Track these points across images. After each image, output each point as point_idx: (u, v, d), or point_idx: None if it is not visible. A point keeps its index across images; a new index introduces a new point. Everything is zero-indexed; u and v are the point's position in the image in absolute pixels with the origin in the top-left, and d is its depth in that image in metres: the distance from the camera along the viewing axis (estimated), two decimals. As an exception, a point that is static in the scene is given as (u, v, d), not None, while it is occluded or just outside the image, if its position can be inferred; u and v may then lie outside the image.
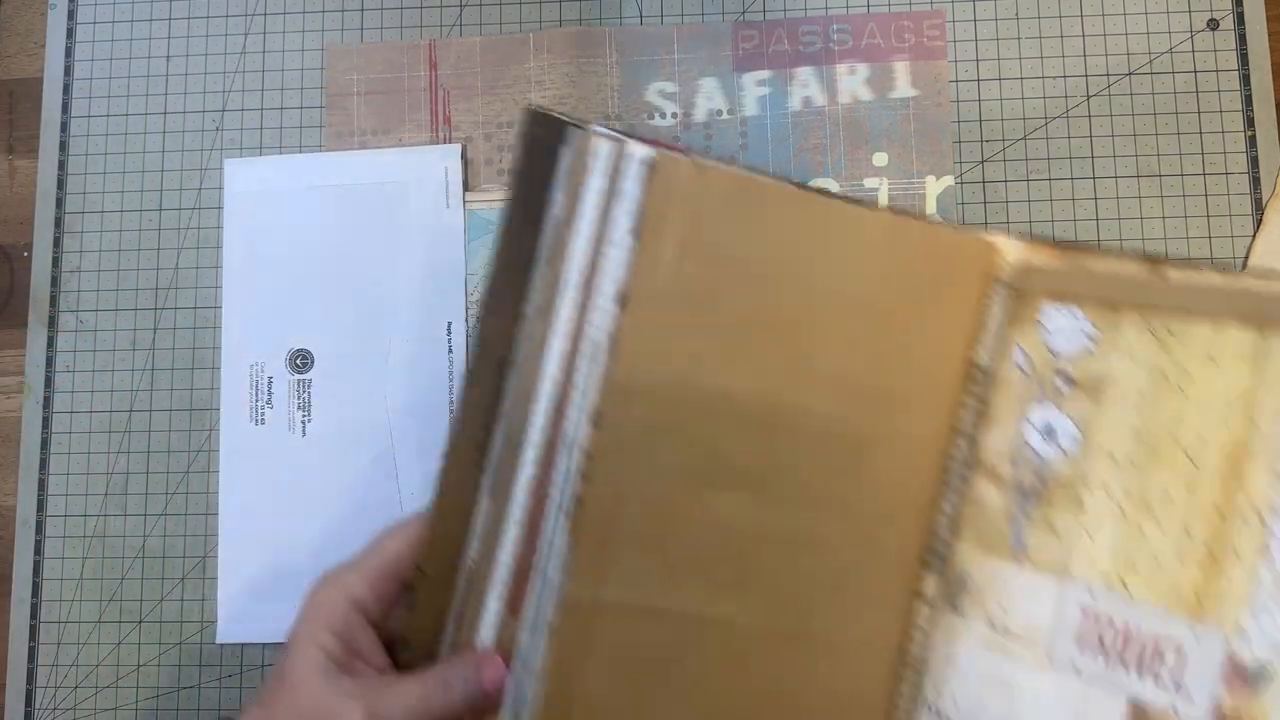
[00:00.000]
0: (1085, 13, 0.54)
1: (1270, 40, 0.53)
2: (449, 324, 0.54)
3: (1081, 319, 0.38)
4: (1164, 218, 0.52)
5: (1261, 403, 0.34)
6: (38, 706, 0.53)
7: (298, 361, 0.54)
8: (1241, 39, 0.53)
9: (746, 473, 0.38)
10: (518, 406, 0.38)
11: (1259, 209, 0.52)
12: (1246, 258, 0.52)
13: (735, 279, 0.37)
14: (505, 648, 0.38)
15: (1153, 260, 0.37)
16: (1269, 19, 0.53)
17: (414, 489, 0.53)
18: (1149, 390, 0.37)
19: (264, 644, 0.53)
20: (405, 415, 0.53)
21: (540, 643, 0.36)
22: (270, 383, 0.54)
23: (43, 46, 0.58)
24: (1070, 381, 0.38)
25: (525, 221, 0.39)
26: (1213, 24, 0.54)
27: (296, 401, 0.54)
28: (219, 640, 0.53)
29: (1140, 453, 0.36)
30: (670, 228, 0.36)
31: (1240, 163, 0.52)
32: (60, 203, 0.57)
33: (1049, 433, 0.38)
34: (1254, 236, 0.52)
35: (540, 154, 0.39)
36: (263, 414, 0.54)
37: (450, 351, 0.53)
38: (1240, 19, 0.54)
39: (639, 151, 0.36)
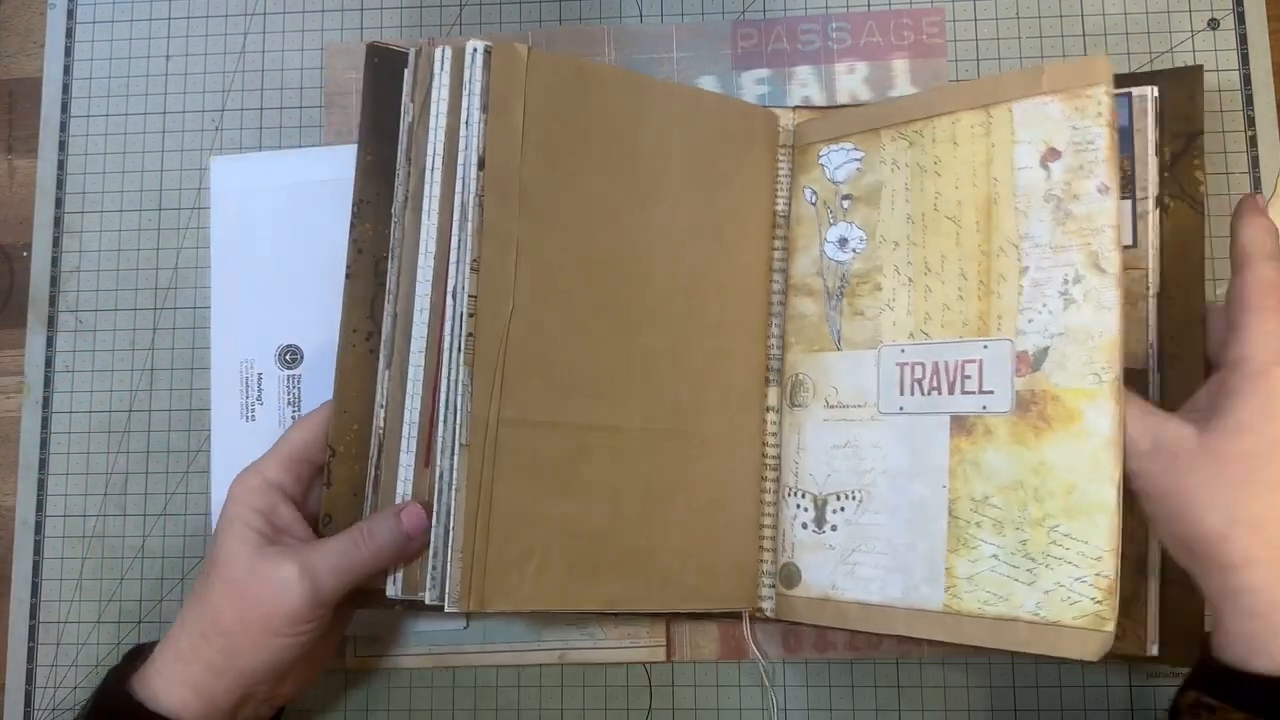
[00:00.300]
0: (1086, 12, 0.54)
1: (1270, 40, 0.53)
2: None
3: (850, 149, 0.50)
4: (1164, 217, 0.52)
5: (996, 161, 0.45)
6: (37, 706, 0.53)
7: (287, 357, 0.54)
8: (1242, 39, 0.53)
9: (604, 302, 0.46)
10: (403, 286, 0.45)
11: (1260, 208, 0.52)
12: (1247, 257, 0.52)
13: (577, 143, 0.46)
14: (421, 498, 0.44)
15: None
16: (1269, 19, 0.53)
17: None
18: (911, 181, 0.47)
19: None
20: None
21: (457, 461, 0.42)
22: (260, 379, 0.54)
23: (42, 46, 0.58)
24: (850, 199, 0.49)
25: (380, 137, 0.47)
26: (1213, 23, 0.54)
27: (286, 397, 0.54)
28: None
29: (915, 231, 0.47)
30: (515, 101, 0.44)
31: (1241, 162, 0.52)
32: (60, 202, 0.57)
33: (842, 243, 0.49)
34: (1255, 236, 0.52)
35: (385, 78, 0.47)
36: (253, 410, 0.54)
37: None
38: (1241, 18, 0.53)
39: (479, 45, 0.45)
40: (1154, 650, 0.44)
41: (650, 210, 0.48)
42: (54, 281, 0.56)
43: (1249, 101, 0.53)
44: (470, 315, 0.43)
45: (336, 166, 0.55)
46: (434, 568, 0.43)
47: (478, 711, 0.52)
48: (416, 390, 0.45)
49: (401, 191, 0.46)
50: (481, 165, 0.44)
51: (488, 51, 0.44)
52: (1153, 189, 0.46)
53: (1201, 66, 0.47)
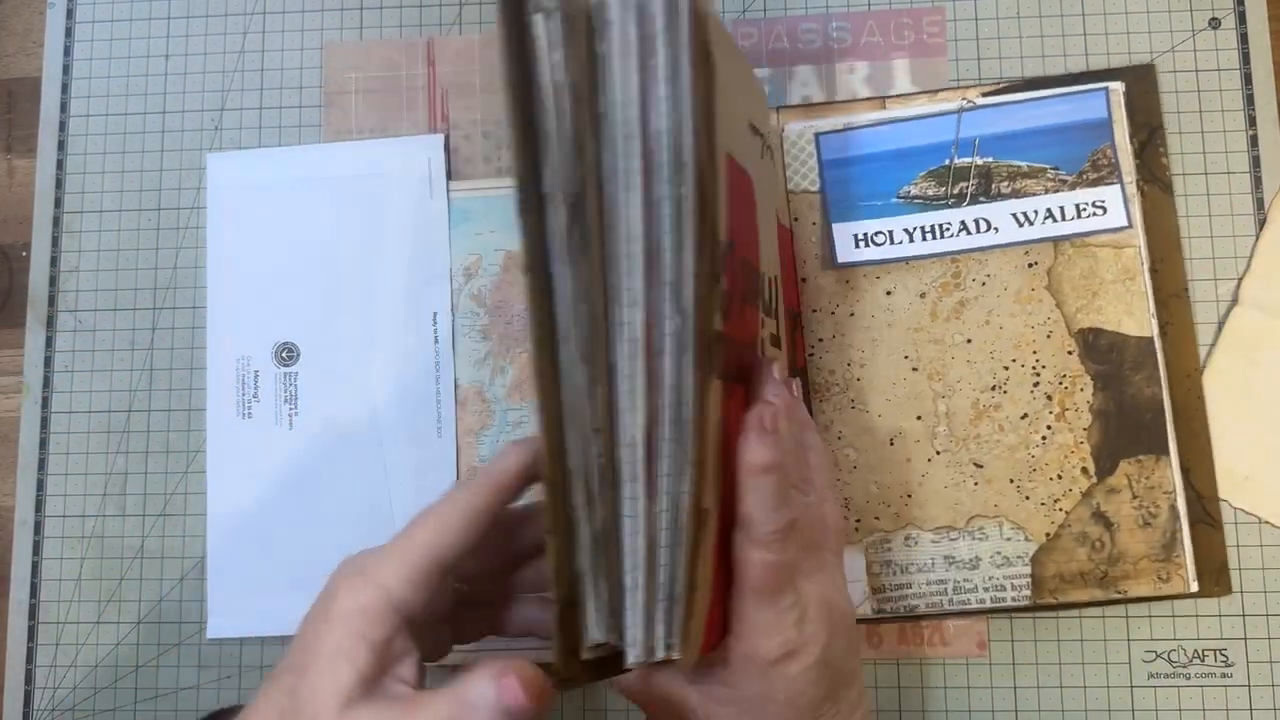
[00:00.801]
0: (1086, 11, 0.54)
1: (1272, 39, 0.53)
2: (434, 314, 0.54)
3: None
4: (1165, 217, 0.52)
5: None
6: (36, 707, 0.53)
7: (284, 355, 0.54)
8: (1243, 38, 0.53)
9: None
10: (594, 283, 0.33)
11: (1261, 208, 0.52)
12: (1250, 257, 0.52)
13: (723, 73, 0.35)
14: (651, 536, 0.34)
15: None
16: (1270, 18, 0.53)
17: (402, 480, 0.53)
18: None
19: (262, 639, 0.53)
20: (392, 406, 0.53)
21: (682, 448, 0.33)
22: (257, 377, 0.54)
23: (41, 45, 0.58)
24: None
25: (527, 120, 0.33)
26: (1214, 23, 0.53)
27: (283, 395, 0.54)
28: (209, 635, 0.53)
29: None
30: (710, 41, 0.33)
31: (1242, 162, 0.52)
32: (59, 202, 0.57)
33: None
34: (1257, 235, 0.52)
35: (518, 30, 0.33)
36: (250, 408, 0.54)
37: (436, 342, 0.53)
38: (1242, 18, 0.53)
39: None
40: (1194, 587, 0.49)
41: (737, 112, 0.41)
42: (53, 281, 0.56)
43: (1250, 101, 0.53)
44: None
45: (334, 164, 0.55)
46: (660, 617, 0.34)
47: (478, 712, 0.52)
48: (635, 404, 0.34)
49: (577, 172, 0.34)
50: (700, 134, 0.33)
51: None
52: (1134, 174, 0.51)
53: (1154, 65, 0.53)
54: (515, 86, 0.32)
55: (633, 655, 0.34)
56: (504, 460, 0.38)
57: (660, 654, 0.34)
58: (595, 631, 0.34)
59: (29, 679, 0.53)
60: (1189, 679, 0.50)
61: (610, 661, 0.35)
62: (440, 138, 0.55)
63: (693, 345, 0.33)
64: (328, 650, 0.34)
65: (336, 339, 0.54)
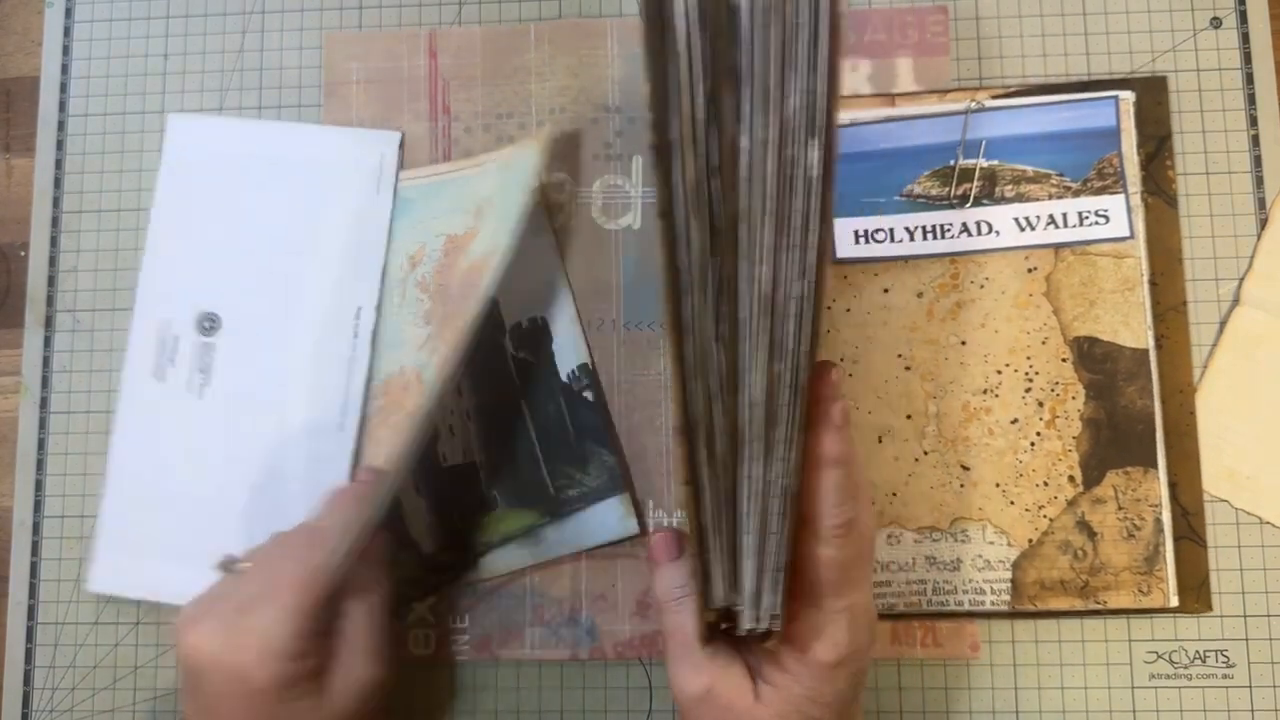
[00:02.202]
0: (1088, 10, 0.54)
1: (1273, 39, 0.53)
2: (359, 309, 0.54)
3: None
4: (1167, 216, 0.52)
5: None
6: (35, 708, 0.53)
7: (206, 324, 0.54)
8: (1244, 37, 0.53)
9: None
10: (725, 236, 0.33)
11: (1263, 208, 0.52)
12: (1252, 257, 0.52)
13: None
14: (766, 501, 0.35)
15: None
16: (1272, 17, 0.53)
17: (297, 467, 0.53)
18: None
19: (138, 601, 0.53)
20: (301, 393, 0.53)
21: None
22: (176, 341, 0.54)
23: (40, 45, 0.58)
24: None
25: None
26: (1215, 22, 0.53)
27: (198, 364, 0.54)
28: (90, 588, 0.52)
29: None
30: None
31: (1243, 161, 0.52)
32: (57, 202, 0.57)
33: None
34: (1259, 235, 0.52)
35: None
36: (164, 371, 0.54)
37: (356, 337, 0.53)
38: (1243, 17, 0.53)
39: None
40: (1174, 601, 0.49)
41: None
42: (52, 281, 0.56)
43: (1251, 101, 0.53)
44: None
45: (290, 144, 0.55)
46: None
47: (478, 712, 0.52)
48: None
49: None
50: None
51: None
52: (1139, 185, 0.51)
53: (1165, 78, 0.53)
54: (651, 24, 0.31)
55: (748, 619, 0.35)
56: (343, 514, 0.45)
57: (764, 624, 0.35)
58: (718, 590, 0.35)
59: (27, 679, 0.53)
60: (1190, 680, 0.49)
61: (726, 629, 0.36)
62: (397, 135, 0.55)
63: (812, 316, 0.33)
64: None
65: (259, 318, 0.54)
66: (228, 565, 0.44)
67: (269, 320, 0.54)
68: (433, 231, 0.54)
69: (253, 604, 0.41)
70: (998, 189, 0.51)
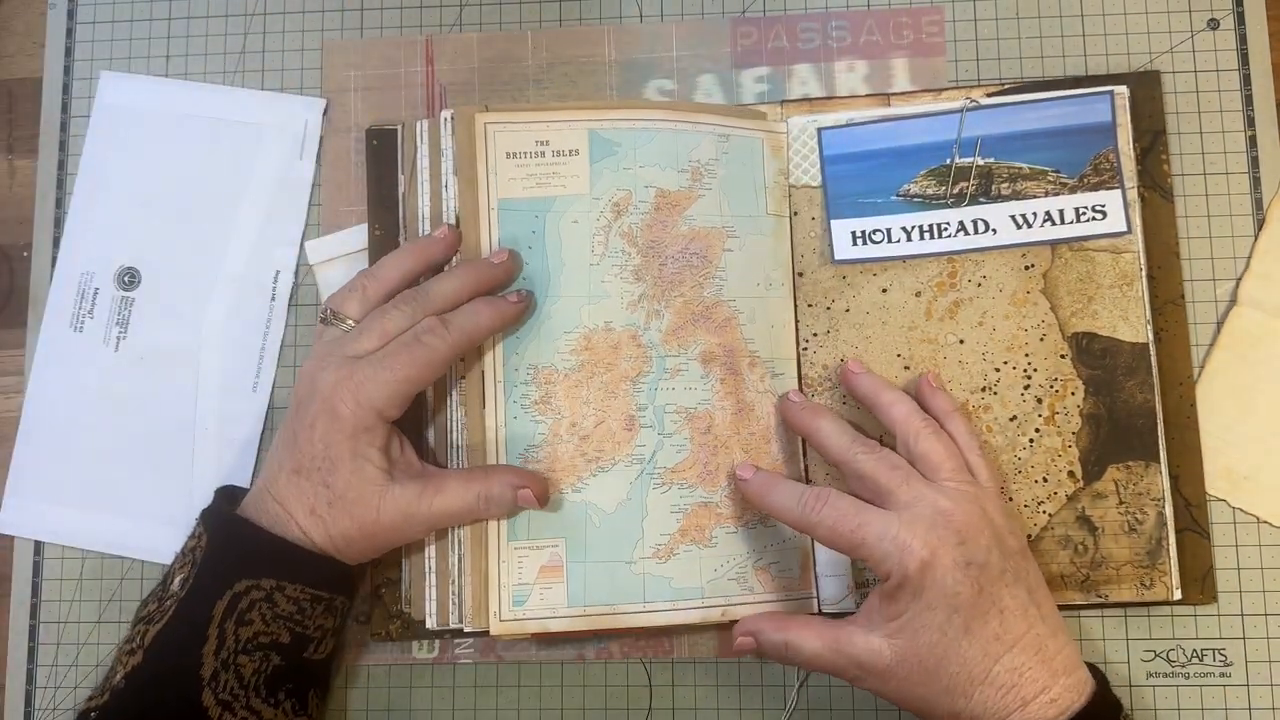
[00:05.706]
0: (1085, 12, 0.54)
1: (1270, 40, 0.53)
2: (277, 272, 0.55)
3: None
4: (1164, 217, 0.52)
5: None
6: (38, 707, 0.53)
7: (125, 279, 0.55)
8: (1242, 39, 0.53)
9: None
10: None
11: (1259, 208, 0.52)
12: (1249, 257, 0.52)
13: None
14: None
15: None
16: (1269, 19, 0.53)
17: (207, 427, 0.54)
18: None
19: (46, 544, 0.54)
20: (215, 353, 0.54)
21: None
22: (96, 294, 0.55)
23: (42, 46, 0.58)
24: None
25: (384, 210, 0.53)
26: (1213, 24, 0.54)
27: (116, 317, 0.54)
28: None
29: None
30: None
31: (1240, 162, 0.52)
32: (59, 202, 0.57)
33: None
34: (1256, 236, 0.52)
35: (385, 156, 0.53)
36: (82, 323, 0.55)
37: (273, 300, 0.54)
38: (1241, 19, 0.53)
39: (449, 114, 0.51)
40: (1178, 594, 0.49)
41: None
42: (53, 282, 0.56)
43: (1249, 101, 0.53)
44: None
45: (218, 106, 0.56)
46: None
47: (478, 711, 0.52)
48: None
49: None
50: (456, 224, 0.50)
51: (453, 118, 0.50)
52: (1135, 179, 0.51)
53: (1159, 72, 0.53)
54: None
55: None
56: (477, 318, 0.48)
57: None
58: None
59: (30, 679, 0.53)
60: (1188, 678, 0.50)
61: None
62: (322, 101, 0.56)
63: None
64: (347, 455, 0.46)
65: (179, 275, 0.55)
66: (332, 318, 0.48)
67: (188, 278, 0.55)
68: (641, 181, 0.51)
69: (368, 362, 0.46)
70: (994, 187, 0.52)
